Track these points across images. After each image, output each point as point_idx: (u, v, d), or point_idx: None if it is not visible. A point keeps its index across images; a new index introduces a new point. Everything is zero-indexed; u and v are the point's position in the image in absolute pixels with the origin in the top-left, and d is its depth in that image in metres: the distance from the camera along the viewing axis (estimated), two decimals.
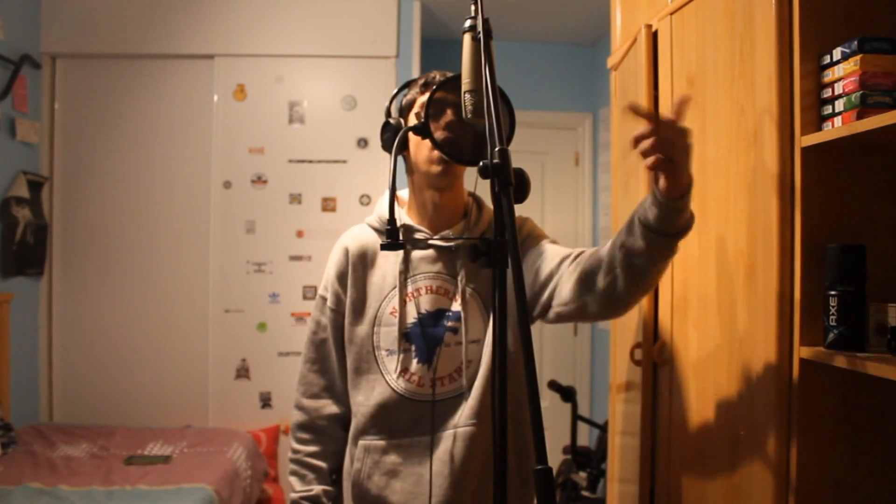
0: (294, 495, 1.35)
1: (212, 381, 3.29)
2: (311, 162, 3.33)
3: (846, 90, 1.10)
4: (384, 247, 1.11)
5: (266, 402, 3.29)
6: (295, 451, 1.39)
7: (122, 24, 3.30)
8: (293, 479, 1.38)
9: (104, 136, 3.35)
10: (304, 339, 3.50)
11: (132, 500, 2.25)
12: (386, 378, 1.30)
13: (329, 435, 1.38)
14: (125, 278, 3.34)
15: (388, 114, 1.33)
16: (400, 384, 1.28)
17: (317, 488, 1.35)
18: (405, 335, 1.30)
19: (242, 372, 3.29)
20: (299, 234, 3.32)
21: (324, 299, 1.40)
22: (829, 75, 1.14)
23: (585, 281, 1.17)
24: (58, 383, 3.32)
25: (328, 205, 3.34)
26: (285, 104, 3.34)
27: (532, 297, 1.28)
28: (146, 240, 3.35)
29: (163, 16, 3.31)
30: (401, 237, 1.31)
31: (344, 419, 1.38)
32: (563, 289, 1.21)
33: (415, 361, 1.29)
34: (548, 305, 1.26)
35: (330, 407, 1.38)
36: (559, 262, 1.25)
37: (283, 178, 3.33)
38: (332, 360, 1.39)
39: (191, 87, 3.35)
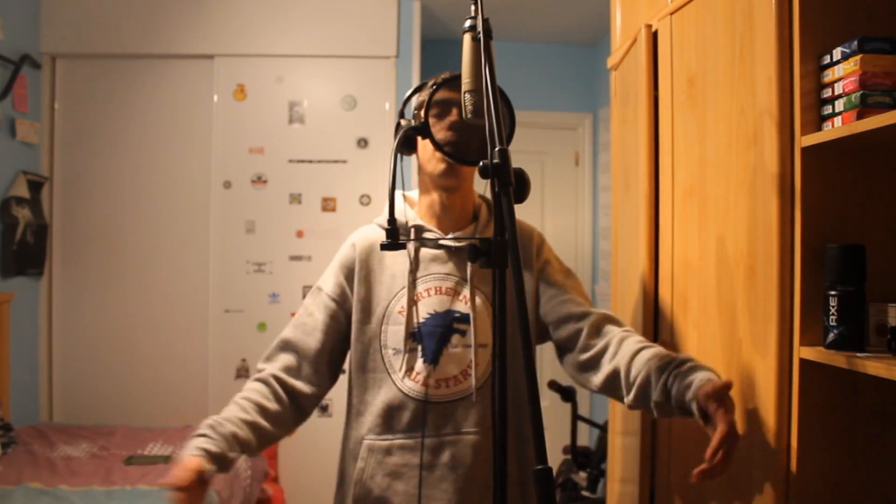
0: (200, 440, 1.13)
1: (212, 381, 3.29)
2: (311, 162, 3.33)
3: (846, 90, 1.10)
4: (384, 246, 1.11)
5: None
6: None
7: (122, 24, 3.30)
8: (215, 419, 1.18)
9: (104, 136, 3.35)
10: None
11: (132, 500, 2.25)
12: (392, 377, 1.29)
13: (282, 409, 1.26)
14: (125, 278, 3.34)
15: (402, 115, 1.32)
16: (405, 384, 1.28)
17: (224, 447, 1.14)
18: (412, 335, 1.29)
19: (242, 372, 3.29)
20: (299, 234, 3.32)
21: (320, 289, 1.37)
22: (829, 75, 1.14)
23: (608, 381, 1.24)
24: (58, 383, 3.32)
25: (328, 205, 3.34)
26: (285, 104, 3.34)
27: (539, 325, 1.35)
28: (146, 240, 3.35)
29: (163, 16, 3.31)
30: (411, 236, 1.31)
31: (301, 403, 1.30)
32: (584, 361, 1.27)
33: (420, 361, 1.28)
34: (557, 341, 1.34)
35: (296, 383, 1.29)
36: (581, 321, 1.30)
37: (283, 178, 3.33)
38: (309, 345, 1.32)
39: (191, 87, 3.35)
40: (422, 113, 1.26)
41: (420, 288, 1.31)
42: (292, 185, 3.33)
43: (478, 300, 1.30)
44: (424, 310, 1.29)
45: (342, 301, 1.35)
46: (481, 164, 0.88)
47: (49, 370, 3.31)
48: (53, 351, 3.32)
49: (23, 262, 3.09)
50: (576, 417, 2.99)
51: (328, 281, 1.37)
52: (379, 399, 1.29)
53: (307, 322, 1.35)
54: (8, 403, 2.93)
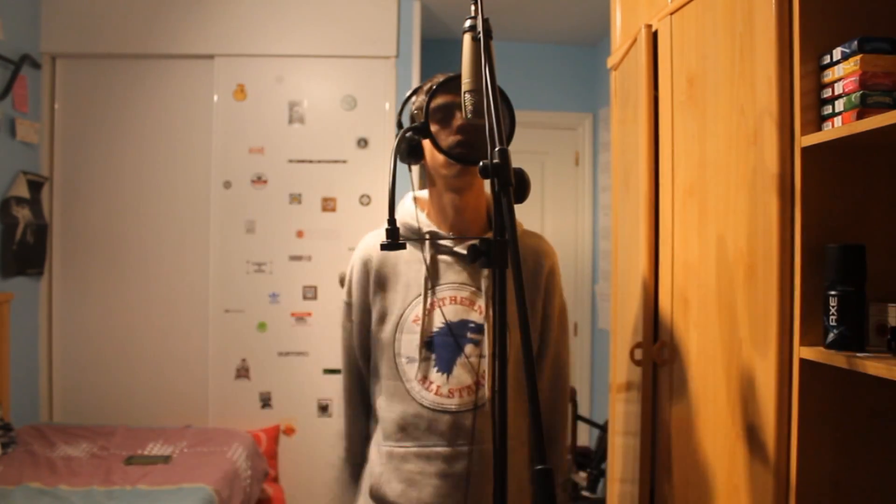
0: None
1: (212, 381, 3.29)
2: (311, 162, 3.33)
3: (846, 90, 1.10)
4: (383, 246, 1.10)
5: (266, 402, 3.29)
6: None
7: (122, 24, 3.30)
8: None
9: (104, 136, 3.35)
10: (303, 338, 3.49)
11: (132, 500, 2.25)
12: (406, 386, 1.28)
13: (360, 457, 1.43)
14: (125, 278, 3.34)
15: (400, 123, 1.31)
16: (419, 393, 1.27)
17: None
18: (427, 344, 1.28)
19: (242, 372, 3.29)
20: (299, 234, 3.32)
21: (348, 305, 1.39)
22: (829, 75, 1.14)
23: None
24: (58, 383, 3.32)
25: (328, 205, 3.34)
26: (285, 104, 3.34)
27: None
28: (146, 240, 3.35)
29: (163, 16, 3.31)
30: (426, 243, 1.30)
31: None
32: None
33: (434, 370, 1.27)
34: None
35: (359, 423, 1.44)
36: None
37: (283, 178, 3.33)
38: (359, 366, 1.41)
39: (191, 87, 3.35)
40: (421, 114, 1.26)
41: (435, 297, 1.30)
42: (292, 185, 3.33)
43: (492, 310, 1.29)
44: (439, 319, 1.28)
45: (368, 309, 1.38)
46: (481, 164, 0.88)
47: (49, 370, 3.31)
48: (53, 351, 3.32)
49: (23, 262, 3.09)
50: (576, 417, 3.00)
51: (353, 295, 1.39)
52: (394, 407, 1.29)
53: (343, 335, 1.43)
54: (8, 403, 2.93)
